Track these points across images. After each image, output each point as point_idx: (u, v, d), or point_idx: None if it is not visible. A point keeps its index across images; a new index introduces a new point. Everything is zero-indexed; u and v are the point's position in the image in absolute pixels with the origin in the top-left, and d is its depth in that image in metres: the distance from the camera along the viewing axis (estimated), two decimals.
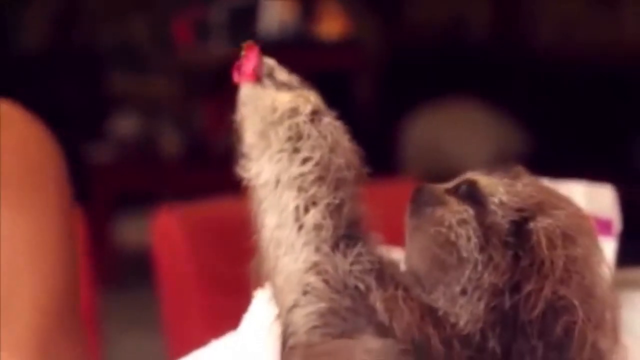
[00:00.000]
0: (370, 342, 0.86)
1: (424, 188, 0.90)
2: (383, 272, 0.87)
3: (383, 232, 0.91)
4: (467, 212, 0.87)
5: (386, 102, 4.85)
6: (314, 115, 0.90)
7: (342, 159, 0.89)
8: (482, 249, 0.85)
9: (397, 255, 0.91)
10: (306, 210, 0.88)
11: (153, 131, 4.47)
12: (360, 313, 0.87)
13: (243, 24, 4.79)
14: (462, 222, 0.86)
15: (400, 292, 0.86)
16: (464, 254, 0.86)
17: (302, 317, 0.88)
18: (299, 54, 4.71)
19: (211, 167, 3.90)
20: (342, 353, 0.86)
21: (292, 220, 0.88)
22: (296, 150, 0.88)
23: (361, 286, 0.87)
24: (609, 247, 1.24)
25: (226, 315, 0.97)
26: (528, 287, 0.83)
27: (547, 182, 1.09)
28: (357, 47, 4.89)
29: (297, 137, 0.88)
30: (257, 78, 0.92)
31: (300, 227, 0.88)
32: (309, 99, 0.91)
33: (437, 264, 0.87)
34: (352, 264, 0.88)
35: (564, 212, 0.86)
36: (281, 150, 0.88)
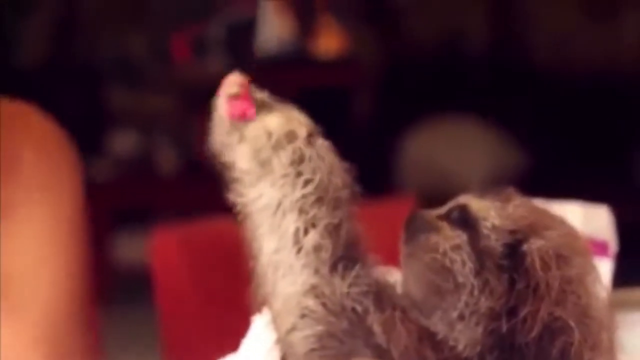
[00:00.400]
0: None
1: (417, 215, 0.90)
2: (380, 294, 0.88)
3: (381, 252, 0.91)
4: (460, 237, 0.87)
5: (384, 119, 4.86)
6: (310, 136, 0.90)
7: (339, 179, 0.89)
8: (477, 274, 0.86)
9: (394, 275, 0.91)
10: (306, 232, 0.88)
11: (150, 148, 4.47)
12: (357, 335, 0.87)
13: (241, 40, 4.80)
14: (456, 247, 0.86)
15: (397, 314, 0.87)
16: (460, 279, 0.86)
17: (300, 340, 0.88)
18: (296, 71, 4.73)
19: (208, 184, 3.89)
20: None
21: (291, 243, 0.88)
22: (299, 174, 0.88)
23: (359, 308, 0.87)
24: (605, 268, 1.24)
25: (225, 332, 0.97)
26: (524, 310, 0.84)
27: (540, 203, 1.09)
28: (355, 64, 4.90)
29: (299, 160, 0.88)
30: (249, 117, 0.92)
31: (299, 250, 0.88)
32: (302, 121, 0.92)
33: (433, 290, 0.87)
34: (350, 286, 0.88)
35: (556, 233, 0.86)
36: (285, 175, 0.88)
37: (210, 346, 0.98)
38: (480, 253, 0.86)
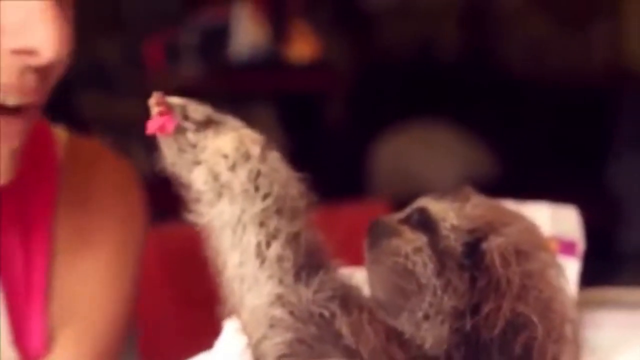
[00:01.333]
0: None
1: (378, 221, 0.92)
2: (346, 297, 0.89)
3: (352, 253, 0.93)
4: (421, 239, 0.89)
5: (355, 124, 4.87)
6: (263, 151, 0.92)
7: (294, 189, 0.91)
8: (439, 274, 0.88)
9: (359, 276, 0.92)
10: (268, 244, 0.90)
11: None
12: (326, 340, 0.89)
13: (214, 45, 4.79)
14: (417, 250, 0.89)
15: (364, 316, 0.88)
16: (423, 281, 0.88)
17: (271, 348, 0.89)
18: (269, 76, 4.74)
19: (181, 191, 3.88)
20: None
21: (254, 256, 0.90)
22: (257, 189, 0.90)
23: (326, 313, 0.89)
24: (573, 267, 1.26)
25: (199, 333, 0.98)
26: (487, 308, 0.85)
27: (510, 204, 1.11)
28: (328, 69, 4.91)
29: (256, 176, 0.90)
30: (172, 131, 0.93)
31: (263, 262, 0.90)
32: (253, 138, 0.93)
33: (398, 293, 0.89)
34: (315, 292, 0.90)
35: (515, 228, 0.88)
36: (243, 191, 0.90)
37: (185, 346, 0.99)
38: (440, 254, 0.88)
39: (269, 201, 0.90)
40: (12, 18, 1.06)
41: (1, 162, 1.13)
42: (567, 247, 1.27)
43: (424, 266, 0.88)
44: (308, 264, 0.91)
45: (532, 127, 4.74)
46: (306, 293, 0.90)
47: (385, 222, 0.92)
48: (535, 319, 0.85)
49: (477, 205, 0.90)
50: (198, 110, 0.97)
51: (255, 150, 0.92)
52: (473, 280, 0.86)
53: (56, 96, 1.19)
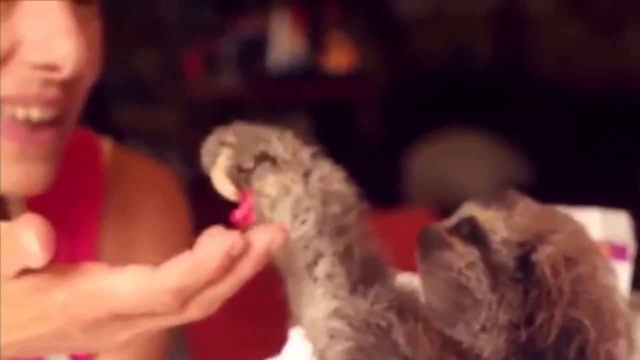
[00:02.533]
0: None
1: (428, 230, 0.92)
2: (403, 307, 0.90)
3: (401, 262, 0.93)
4: (473, 254, 0.88)
5: (390, 133, 4.87)
6: (304, 178, 0.93)
7: (337, 207, 0.92)
8: (493, 289, 0.87)
9: (415, 282, 0.93)
10: (315, 263, 0.91)
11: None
12: (385, 348, 0.90)
13: (252, 56, 4.82)
14: (470, 265, 0.88)
15: (420, 325, 0.89)
16: (478, 296, 0.88)
17: (333, 355, 0.91)
18: (307, 86, 4.75)
19: (219, 200, 3.90)
20: None
21: (306, 275, 0.92)
22: (295, 217, 0.91)
23: (383, 324, 0.90)
24: (624, 271, 1.26)
25: (253, 342, 0.98)
26: (540, 318, 0.85)
27: (558, 209, 1.11)
28: (364, 79, 4.92)
29: (294, 204, 0.91)
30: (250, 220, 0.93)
31: (315, 280, 0.91)
32: (296, 172, 0.93)
33: (453, 306, 0.89)
34: (372, 304, 0.90)
35: (562, 236, 0.88)
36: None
37: (240, 355, 0.99)
38: (493, 269, 0.88)
39: (307, 226, 0.91)
40: (34, 33, 1.08)
41: (35, 173, 1.14)
42: (618, 252, 1.28)
43: (479, 282, 0.88)
44: (364, 275, 0.91)
45: (566, 133, 4.72)
46: (363, 305, 0.91)
47: (435, 232, 0.92)
48: (587, 322, 0.85)
49: (524, 213, 0.90)
50: (250, 152, 0.95)
51: (295, 184, 0.92)
52: (526, 292, 0.87)
53: (92, 108, 1.21)
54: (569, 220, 0.91)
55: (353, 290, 0.91)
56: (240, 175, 0.95)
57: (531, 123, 4.77)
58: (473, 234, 0.89)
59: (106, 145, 1.38)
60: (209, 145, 0.97)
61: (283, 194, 0.92)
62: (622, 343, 0.88)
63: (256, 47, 4.85)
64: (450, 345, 0.88)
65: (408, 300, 0.91)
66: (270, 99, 4.71)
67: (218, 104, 4.60)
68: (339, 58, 4.89)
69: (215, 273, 0.82)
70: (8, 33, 1.07)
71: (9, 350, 0.91)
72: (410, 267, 0.93)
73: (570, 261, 0.86)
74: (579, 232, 0.90)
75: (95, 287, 0.83)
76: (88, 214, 1.32)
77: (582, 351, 0.85)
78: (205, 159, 0.97)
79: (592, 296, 0.86)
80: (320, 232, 0.91)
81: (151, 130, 4.70)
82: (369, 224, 0.94)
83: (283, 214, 0.92)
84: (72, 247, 1.30)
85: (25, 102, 1.10)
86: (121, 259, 1.17)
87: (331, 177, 0.93)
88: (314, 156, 0.94)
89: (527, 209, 0.90)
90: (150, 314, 0.83)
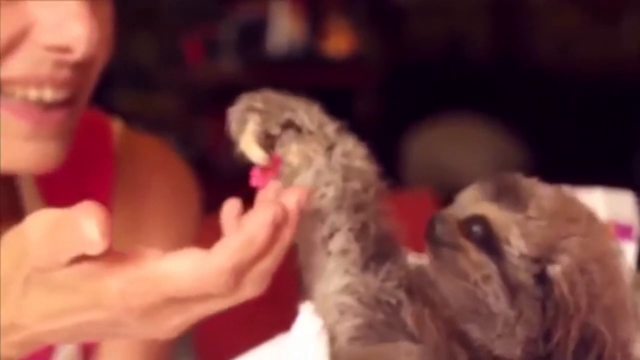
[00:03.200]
0: (410, 346, 0.89)
1: (438, 222, 0.90)
2: (412, 286, 0.91)
3: (411, 241, 0.94)
4: (489, 267, 0.86)
5: (389, 118, 4.87)
6: (327, 151, 0.93)
7: (357, 184, 0.93)
8: (511, 305, 0.86)
9: (414, 259, 0.93)
10: (331, 237, 0.92)
11: None
12: (394, 325, 0.90)
13: (252, 41, 4.81)
14: (487, 278, 0.86)
15: (427, 311, 0.89)
16: (495, 310, 0.86)
17: (342, 331, 0.92)
18: (306, 70, 4.75)
19: (217, 184, 3.91)
20: (386, 355, 0.89)
21: (320, 249, 0.92)
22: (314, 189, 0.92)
23: (392, 301, 0.91)
24: (629, 251, 1.26)
25: (260, 326, 0.98)
26: (558, 334, 0.84)
27: (566, 190, 1.10)
28: (363, 64, 4.92)
29: (315, 177, 0.92)
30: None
31: (329, 254, 0.92)
32: (319, 140, 0.94)
33: (469, 310, 0.88)
34: (382, 281, 0.91)
35: (577, 241, 0.86)
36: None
37: (246, 338, 0.99)
38: (511, 285, 0.86)
39: (325, 200, 0.92)
40: (47, 15, 1.09)
41: (47, 151, 1.15)
42: (624, 231, 1.28)
43: (496, 298, 0.86)
44: (377, 253, 0.92)
45: (563, 119, 4.72)
46: (374, 282, 0.91)
47: (446, 228, 0.89)
48: (603, 328, 0.84)
49: (538, 214, 0.87)
50: (277, 119, 0.96)
51: (318, 155, 0.93)
52: (543, 309, 0.85)
53: (93, 93, 1.22)
54: (582, 211, 0.89)
55: (365, 267, 0.92)
56: (267, 142, 0.95)
57: (528, 108, 4.78)
58: (486, 239, 0.87)
59: (116, 126, 1.39)
60: (237, 112, 0.96)
61: (305, 164, 0.93)
62: (629, 327, 0.88)
63: (256, 32, 4.85)
64: (457, 335, 0.88)
65: (418, 280, 0.91)
66: (270, 83, 4.70)
67: (217, 88, 4.60)
68: (339, 43, 4.89)
69: (265, 246, 0.82)
70: (21, 14, 1.08)
71: (61, 335, 0.91)
72: (413, 247, 0.93)
73: (585, 271, 0.85)
74: (592, 227, 0.88)
75: (150, 273, 0.83)
76: (98, 194, 1.33)
77: (599, 356, 0.84)
78: (233, 126, 0.96)
79: (606, 300, 0.85)
80: (338, 207, 0.92)
81: (150, 114, 4.69)
82: (385, 202, 0.94)
83: (303, 185, 0.92)
84: None
85: (38, 83, 1.11)
86: (131, 240, 1.18)
87: (354, 153, 0.94)
88: (338, 131, 0.95)
89: (540, 207, 0.87)
90: (205, 297, 0.83)
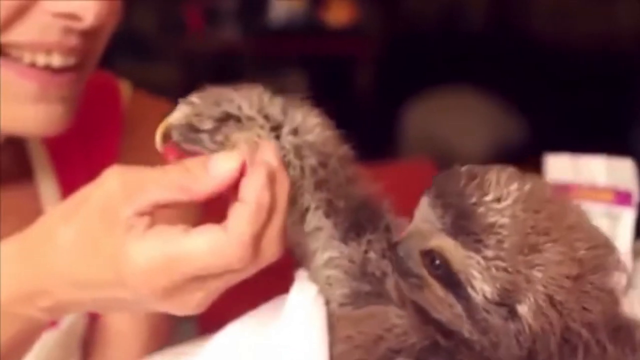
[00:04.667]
0: (400, 311, 0.91)
1: (399, 253, 0.89)
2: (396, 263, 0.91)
3: (397, 209, 0.95)
4: (457, 308, 0.85)
5: (386, 89, 4.87)
6: (274, 133, 0.94)
7: (313, 160, 0.93)
8: (484, 333, 0.85)
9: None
10: (302, 217, 0.93)
11: None
12: (381, 295, 0.93)
13: (252, 10, 4.80)
14: (457, 316, 0.86)
15: (408, 303, 0.90)
16: (471, 337, 0.86)
17: (333, 298, 0.94)
18: (306, 40, 4.75)
19: None
20: (379, 316, 0.90)
21: (297, 229, 0.94)
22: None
23: (377, 273, 0.93)
24: (628, 217, 1.28)
25: (259, 294, 0.99)
26: (540, 357, 0.84)
27: (567, 158, 1.09)
28: (363, 34, 4.91)
29: None
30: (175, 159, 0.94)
31: (305, 234, 0.95)
32: (263, 127, 0.94)
33: (446, 325, 0.88)
34: (365, 252, 0.93)
35: (541, 275, 0.83)
36: None
37: (243, 304, 1.00)
38: (481, 325, 0.85)
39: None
40: None
41: (54, 113, 1.16)
42: (623, 198, 1.29)
43: (469, 332, 0.86)
44: (353, 224, 0.94)
45: (559, 91, 4.71)
46: (357, 254, 0.93)
47: (409, 259, 0.88)
48: (583, 331, 0.83)
49: (498, 253, 0.82)
50: (209, 113, 0.97)
51: (263, 140, 0.93)
52: (519, 342, 0.83)
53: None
54: (548, 217, 0.85)
55: (344, 239, 0.93)
56: (196, 135, 0.95)
57: (524, 80, 4.77)
58: (450, 279, 0.86)
59: (125, 87, 1.41)
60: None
61: (255, 150, 0.93)
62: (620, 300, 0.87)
63: (257, 1, 4.84)
64: (435, 323, 0.89)
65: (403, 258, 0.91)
66: (270, 52, 4.71)
67: (218, 57, 4.60)
68: (339, 13, 4.88)
69: (270, 207, 0.85)
70: None
71: (87, 306, 0.95)
72: (412, 216, 0.93)
73: (556, 303, 0.83)
74: (560, 236, 0.84)
75: (171, 253, 0.84)
76: (106, 154, 1.35)
77: (587, 350, 0.84)
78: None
79: (588, 316, 0.84)
80: (299, 188, 0.93)
81: (150, 83, 4.68)
82: (355, 168, 0.95)
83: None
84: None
85: (46, 49, 1.13)
86: None
87: (304, 128, 0.95)
88: (284, 109, 0.95)
89: (498, 243, 0.83)
90: (227, 271, 0.85)
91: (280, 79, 4.57)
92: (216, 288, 0.87)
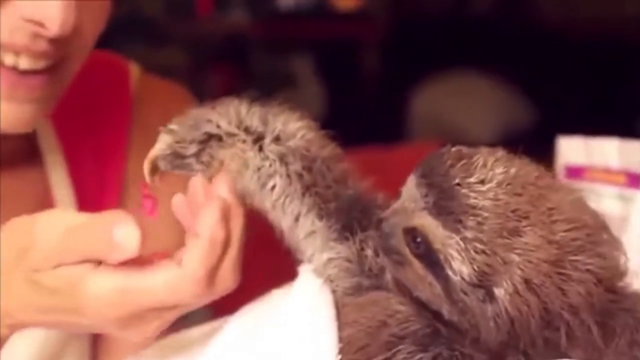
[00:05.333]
0: (402, 299, 0.92)
1: (384, 229, 0.90)
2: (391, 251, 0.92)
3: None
4: (436, 286, 0.87)
5: (395, 72, 4.86)
6: (257, 145, 0.95)
7: (297, 165, 0.95)
8: (462, 313, 0.87)
9: None
10: (296, 223, 0.95)
11: None
12: (382, 287, 0.94)
13: None
14: (437, 296, 0.87)
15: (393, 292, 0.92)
16: (452, 318, 0.88)
17: (336, 290, 0.96)
18: (314, 24, 4.74)
19: None
20: (381, 302, 0.91)
21: (293, 234, 0.97)
22: (262, 186, 0.96)
23: (374, 269, 0.94)
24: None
25: (262, 274, 1.00)
26: (521, 342, 0.85)
27: (580, 139, 1.08)
28: (371, 18, 4.91)
29: (256, 174, 0.96)
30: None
31: (300, 239, 0.97)
32: (246, 142, 0.95)
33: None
34: (361, 249, 0.95)
35: (519, 259, 0.83)
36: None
37: (257, 286, 1.01)
38: (459, 306, 0.86)
39: (275, 195, 0.95)
40: None
41: (22, 113, 1.16)
42: (636, 180, 1.29)
43: (448, 312, 0.87)
44: (346, 223, 0.95)
45: (567, 75, 4.70)
46: (353, 250, 0.95)
47: (392, 235, 0.89)
48: (565, 314, 0.84)
49: (477, 235, 0.83)
50: (191, 137, 0.98)
51: (248, 153, 0.95)
52: (497, 324, 0.84)
53: (97, 46, 1.23)
54: (528, 201, 0.85)
55: (339, 239, 0.94)
56: (182, 161, 0.97)
57: (532, 64, 4.76)
58: (429, 257, 0.87)
59: (134, 69, 1.41)
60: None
61: (243, 166, 0.94)
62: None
63: None
64: (427, 310, 0.90)
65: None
66: (279, 36, 4.70)
67: (226, 41, 4.59)
68: None
69: (224, 243, 0.88)
70: None
71: (48, 326, 1.01)
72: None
73: (533, 287, 0.84)
74: (541, 220, 0.85)
75: (128, 286, 0.87)
76: (115, 134, 1.36)
77: (571, 332, 0.85)
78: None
79: (569, 286, 0.84)
80: (288, 196, 0.94)
81: (159, 67, 4.67)
82: (343, 166, 0.96)
83: (250, 185, 0.94)
84: (101, 178, 1.34)
85: (14, 50, 1.12)
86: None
87: (286, 134, 0.96)
88: (263, 119, 0.96)
89: (478, 225, 0.84)
90: (181, 305, 0.89)
91: (289, 62, 4.57)
92: (173, 316, 0.91)
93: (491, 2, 5.17)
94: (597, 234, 0.86)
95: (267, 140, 0.95)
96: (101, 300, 0.88)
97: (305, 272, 0.98)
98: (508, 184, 0.85)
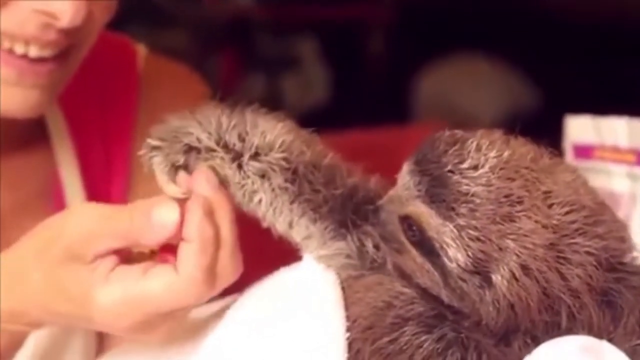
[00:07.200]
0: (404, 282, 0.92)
1: (381, 216, 0.91)
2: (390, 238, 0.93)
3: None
4: (434, 274, 0.87)
5: (400, 55, 4.86)
6: (236, 162, 0.96)
7: (279, 178, 0.96)
8: (461, 299, 0.87)
9: None
10: (290, 229, 0.96)
11: None
12: (385, 274, 0.94)
13: None
14: (436, 283, 0.87)
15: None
16: (452, 303, 0.88)
17: (339, 275, 0.96)
18: (320, 7, 4.73)
19: None
20: (386, 283, 0.92)
21: (289, 237, 0.97)
22: (249, 200, 0.97)
23: (378, 259, 0.95)
24: None
25: (268, 256, 1.01)
26: (522, 325, 0.85)
27: (588, 118, 1.08)
28: (376, 1, 4.91)
29: (240, 190, 0.97)
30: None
31: (297, 242, 0.97)
32: (224, 159, 0.97)
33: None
34: (361, 244, 0.95)
35: (514, 244, 0.83)
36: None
37: (255, 269, 1.02)
38: (457, 293, 0.86)
39: (263, 208, 0.96)
40: None
41: (31, 98, 1.17)
42: None
43: (448, 298, 0.87)
44: (341, 222, 0.95)
45: (573, 58, 4.70)
46: (353, 244, 0.95)
47: (389, 223, 0.90)
48: (564, 297, 0.84)
49: (471, 222, 0.83)
50: (176, 149, 0.98)
51: (228, 171, 0.96)
52: (497, 309, 0.84)
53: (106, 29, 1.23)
54: (522, 184, 0.85)
55: (337, 237, 0.94)
56: (174, 171, 0.98)
57: (539, 49, 4.76)
58: (425, 245, 0.87)
59: (142, 50, 1.42)
60: (144, 155, 0.99)
61: (225, 180, 0.96)
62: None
63: None
64: (427, 295, 0.90)
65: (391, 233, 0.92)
66: (284, 19, 4.70)
67: (232, 24, 4.59)
68: None
69: (215, 238, 0.89)
70: None
71: (62, 325, 1.04)
72: None
73: (530, 271, 0.84)
74: (536, 204, 0.84)
75: (130, 295, 0.90)
76: (123, 114, 1.36)
77: (571, 315, 0.85)
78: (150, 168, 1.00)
79: (567, 270, 0.84)
80: (276, 208, 0.96)
81: (164, 50, 4.67)
82: (330, 163, 0.96)
83: (236, 196, 0.95)
84: (108, 158, 1.34)
85: (24, 40, 1.14)
86: None
87: (264, 148, 0.96)
88: (241, 135, 0.96)
89: (471, 212, 0.84)
90: (186, 306, 0.91)
91: (295, 45, 4.56)
92: (179, 316, 0.93)
93: None
94: (596, 215, 0.86)
95: (245, 159, 0.95)
96: (109, 313, 0.90)
97: (309, 258, 0.99)
98: (501, 169, 0.85)
